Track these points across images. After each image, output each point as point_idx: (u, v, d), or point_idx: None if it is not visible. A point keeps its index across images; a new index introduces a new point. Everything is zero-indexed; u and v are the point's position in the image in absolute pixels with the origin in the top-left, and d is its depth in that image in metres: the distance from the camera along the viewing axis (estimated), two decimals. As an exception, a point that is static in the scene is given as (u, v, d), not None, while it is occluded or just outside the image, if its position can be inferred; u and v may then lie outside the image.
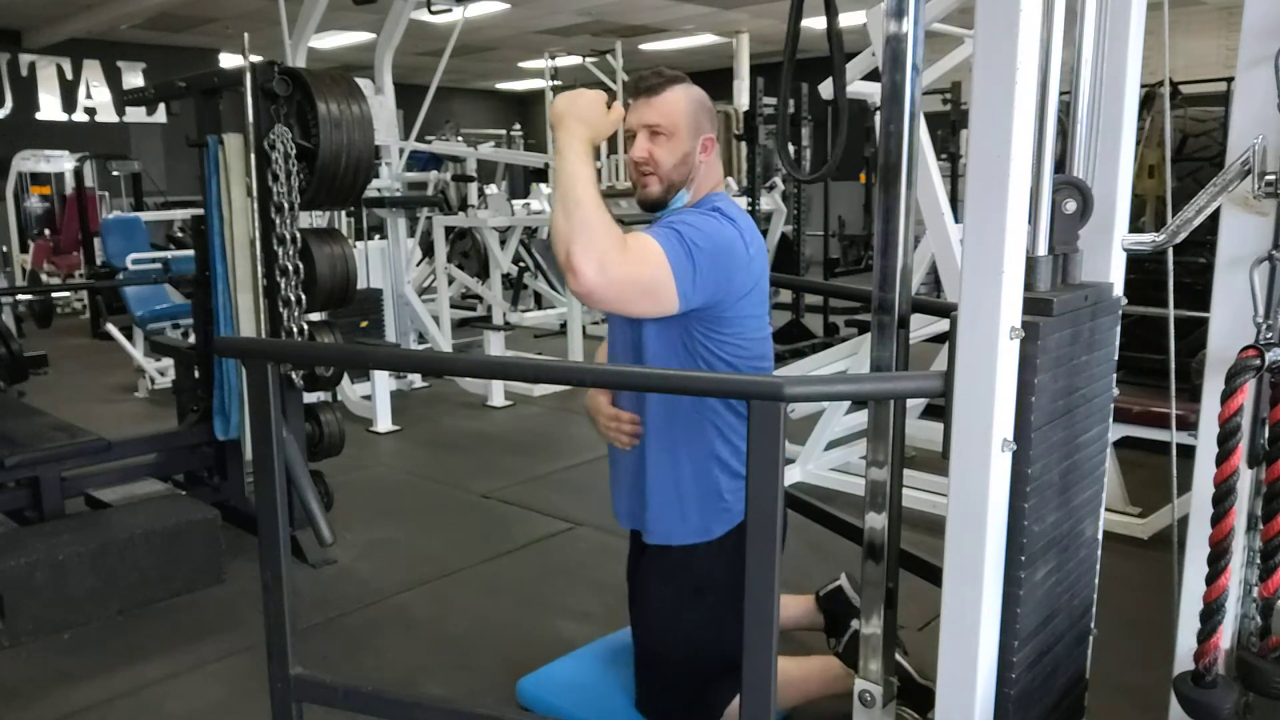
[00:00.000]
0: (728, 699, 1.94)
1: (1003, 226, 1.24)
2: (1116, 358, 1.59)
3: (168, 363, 5.85)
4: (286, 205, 3.13)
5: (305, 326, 3.22)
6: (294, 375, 3.23)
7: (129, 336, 6.43)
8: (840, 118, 1.73)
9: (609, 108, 1.75)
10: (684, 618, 1.96)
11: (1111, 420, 1.61)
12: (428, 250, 6.90)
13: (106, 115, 12.87)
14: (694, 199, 1.92)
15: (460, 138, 12.25)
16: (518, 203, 8.97)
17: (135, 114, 12.40)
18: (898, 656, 1.78)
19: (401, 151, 6.27)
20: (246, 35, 3.21)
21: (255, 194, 3.16)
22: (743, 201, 6.48)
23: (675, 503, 1.93)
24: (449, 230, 7.78)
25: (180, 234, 9.14)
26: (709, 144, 1.92)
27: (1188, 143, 5.62)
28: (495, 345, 5.75)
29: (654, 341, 1.87)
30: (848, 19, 1.66)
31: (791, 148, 6.97)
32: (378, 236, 6.35)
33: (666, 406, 1.90)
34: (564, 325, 6.66)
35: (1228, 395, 1.30)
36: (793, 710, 2.20)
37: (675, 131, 1.87)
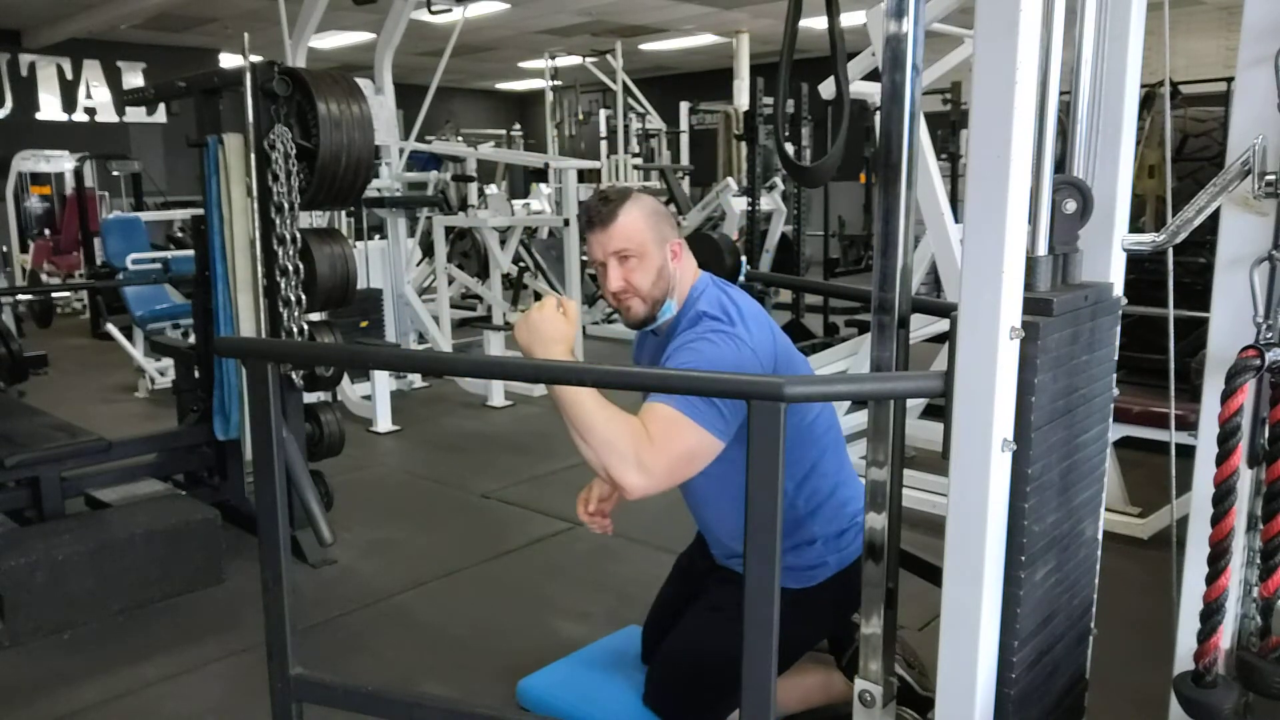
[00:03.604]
0: (735, 707, 1.94)
1: (1003, 226, 1.24)
2: (1116, 358, 1.58)
3: (168, 363, 5.85)
4: (286, 205, 3.13)
5: (305, 326, 3.22)
6: (294, 375, 3.23)
7: (129, 336, 6.43)
8: (841, 116, 1.72)
9: (561, 308, 1.71)
10: (736, 635, 1.95)
11: (1111, 420, 1.61)
12: (428, 250, 6.90)
13: (106, 115, 12.88)
14: (680, 303, 1.93)
15: (460, 138, 12.27)
16: (518, 203, 8.97)
17: (135, 114, 12.41)
18: (901, 670, 1.78)
19: (401, 151, 6.27)
20: (246, 35, 3.21)
21: (255, 194, 3.16)
22: (742, 201, 6.48)
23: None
24: (449, 230, 7.78)
25: (180, 234, 9.14)
26: (677, 249, 1.91)
27: (1188, 143, 5.62)
28: (495, 345, 5.75)
29: None
30: (847, 19, 1.65)
31: (790, 147, 6.96)
32: (378, 236, 6.35)
33: (723, 478, 1.86)
34: (564, 325, 6.64)
35: (1228, 395, 1.30)
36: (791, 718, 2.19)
37: (644, 251, 1.86)
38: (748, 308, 1.88)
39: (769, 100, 6.45)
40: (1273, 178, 1.32)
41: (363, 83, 3.87)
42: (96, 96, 12.81)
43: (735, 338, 1.79)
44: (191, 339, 4.67)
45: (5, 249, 9.50)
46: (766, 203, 7.13)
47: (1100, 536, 1.63)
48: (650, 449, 1.60)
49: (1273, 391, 1.36)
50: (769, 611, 1.32)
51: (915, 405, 3.79)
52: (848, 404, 3.98)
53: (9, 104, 12.10)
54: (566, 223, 6.17)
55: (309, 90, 3.15)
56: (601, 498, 2.07)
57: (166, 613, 2.98)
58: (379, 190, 5.95)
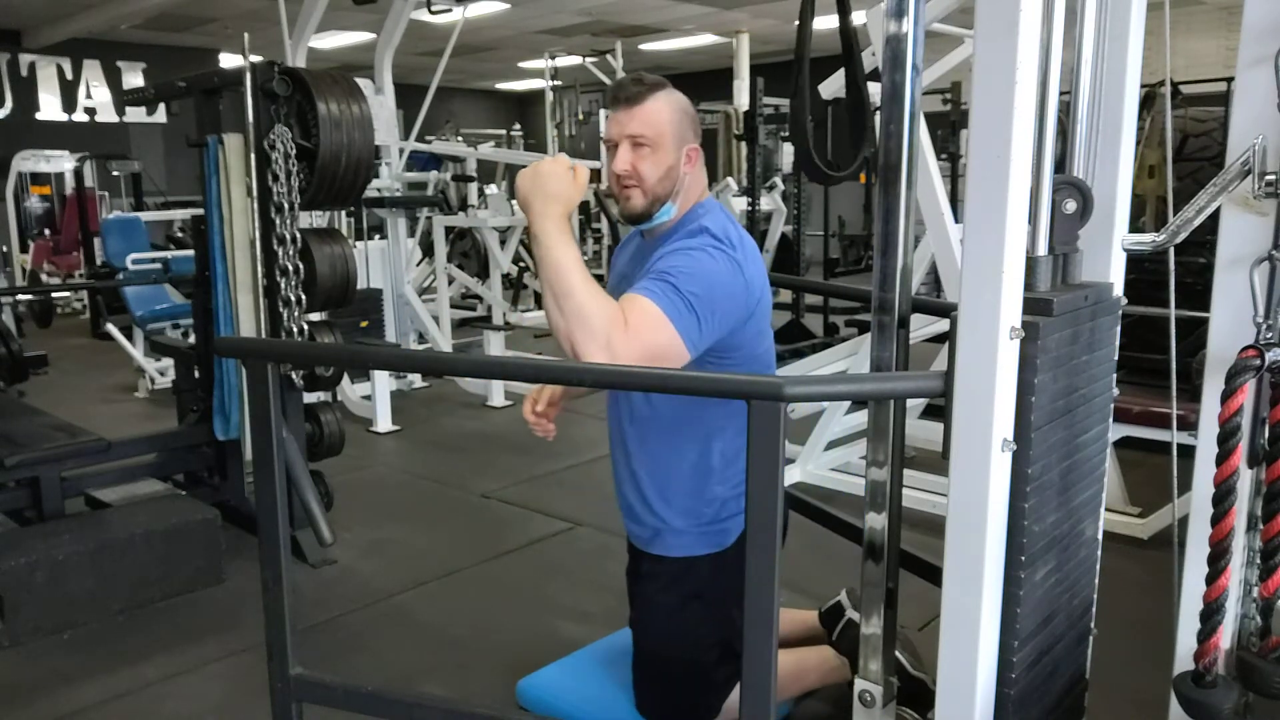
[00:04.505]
0: (726, 693, 1.94)
1: (1003, 226, 1.24)
2: (1116, 358, 1.58)
3: (168, 363, 5.85)
4: (286, 205, 3.13)
5: (305, 326, 3.22)
6: (294, 375, 3.23)
7: (129, 336, 6.43)
8: (865, 115, 1.72)
9: (573, 171, 1.66)
10: (682, 622, 1.95)
11: (1111, 420, 1.61)
12: (428, 250, 6.90)
13: (106, 115, 12.87)
14: (680, 212, 1.86)
15: (460, 138, 12.25)
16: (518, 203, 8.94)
17: (135, 114, 12.40)
18: (896, 652, 1.78)
19: (401, 151, 6.26)
20: (246, 35, 3.21)
21: (255, 194, 3.16)
22: (742, 201, 6.48)
23: (671, 515, 1.91)
24: (449, 230, 7.78)
25: (180, 234, 9.14)
26: (694, 154, 1.85)
27: (1188, 143, 5.62)
28: (495, 345, 5.75)
29: None
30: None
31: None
32: (378, 236, 6.35)
33: (655, 421, 1.88)
34: (564, 325, 6.65)
35: (1228, 395, 1.30)
36: (794, 707, 2.20)
37: (659, 143, 1.80)
38: (750, 244, 1.83)
39: (769, 100, 6.45)
40: (1273, 178, 1.32)
41: (363, 83, 3.87)
42: (96, 96, 12.81)
43: (733, 260, 1.74)
44: (191, 339, 4.67)
45: (5, 249, 9.50)
46: (766, 203, 7.13)
47: (1100, 536, 1.63)
48: (623, 334, 1.54)
49: (1273, 391, 1.36)
50: (769, 611, 1.32)
51: (915, 405, 3.79)
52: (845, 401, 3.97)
53: (9, 104, 12.10)
54: (566, 223, 6.15)
55: (309, 90, 3.15)
56: (551, 400, 2.04)
57: (166, 613, 2.98)
58: (379, 190, 5.95)
